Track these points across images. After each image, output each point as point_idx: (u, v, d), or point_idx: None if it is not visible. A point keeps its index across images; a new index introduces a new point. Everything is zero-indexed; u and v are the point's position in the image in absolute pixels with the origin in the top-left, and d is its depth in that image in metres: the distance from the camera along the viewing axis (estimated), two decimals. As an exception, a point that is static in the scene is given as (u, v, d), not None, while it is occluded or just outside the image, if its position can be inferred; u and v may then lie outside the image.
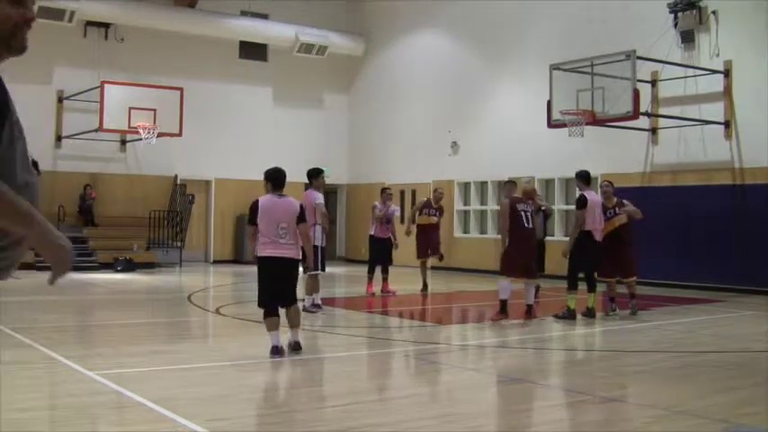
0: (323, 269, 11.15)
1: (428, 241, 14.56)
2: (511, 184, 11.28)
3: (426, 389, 6.87)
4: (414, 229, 14.64)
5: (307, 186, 11.64)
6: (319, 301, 11.26)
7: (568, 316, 10.53)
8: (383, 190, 14.39)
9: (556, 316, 10.67)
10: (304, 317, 10.70)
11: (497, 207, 19.47)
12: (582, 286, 10.74)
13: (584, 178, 11.03)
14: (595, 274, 10.90)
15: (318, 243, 10.98)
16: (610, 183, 11.73)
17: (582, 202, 10.66)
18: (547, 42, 18.62)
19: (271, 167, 8.07)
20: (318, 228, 11.01)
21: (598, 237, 10.67)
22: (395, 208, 14.45)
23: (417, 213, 14.74)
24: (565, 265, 10.87)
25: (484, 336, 9.57)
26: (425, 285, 14.51)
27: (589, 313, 10.67)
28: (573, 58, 15.20)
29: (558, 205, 18.18)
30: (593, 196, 10.86)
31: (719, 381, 6.99)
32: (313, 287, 11.14)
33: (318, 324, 10.35)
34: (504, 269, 10.31)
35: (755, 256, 14.79)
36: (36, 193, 2.44)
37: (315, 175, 11.38)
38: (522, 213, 10.44)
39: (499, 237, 11.54)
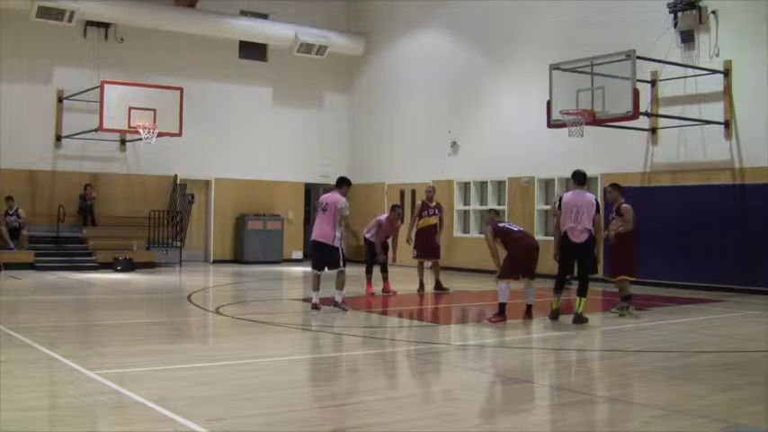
0: (344, 265, 11.38)
1: (428, 242, 14.54)
2: (492, 212, 11.19)
3: (426, 389, 6.87)
4: (413, 235, 14.63)
5: (327, 190, 11.88)
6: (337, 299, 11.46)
7: (550, 316, 10.53)
8: (393, 207, 14.31)
9: (550, 317, 10.65)
10: (313, 317, 10.79)
11: (497, 207, 19.50)
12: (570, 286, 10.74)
13: (572, 177, 10.87)
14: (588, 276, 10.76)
15: (339, 244, 11.23)
16: (612, 186, 11.66)
17: (559, 204, 10.72)
18: (547, 42, 18.63)
19: None
20: (339, 229, 11.21)
21: (574, 237, 10.37)
22: (400, 223, 14.37)
23: (417, 219, 14.70)
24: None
25: (484, 336, 9.57)
26: (422, 285, 14.53)
27: (577, 318, 10.29)
28: (573, 58, 15.19)
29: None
30: (571, 196, 10.58)
31: (719, 381, 6.99)
32: (341, 284, 11.37)
33: (317, 324, 10.36)
34: (505, 273, 10.30)
35: (755, 256, 14.79)
36: None
37: (347, 183, 11.67)
38: (505, 226, 10.73)
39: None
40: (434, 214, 14.60)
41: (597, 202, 10.68)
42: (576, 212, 10.39)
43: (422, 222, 14.61)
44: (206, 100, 21.95)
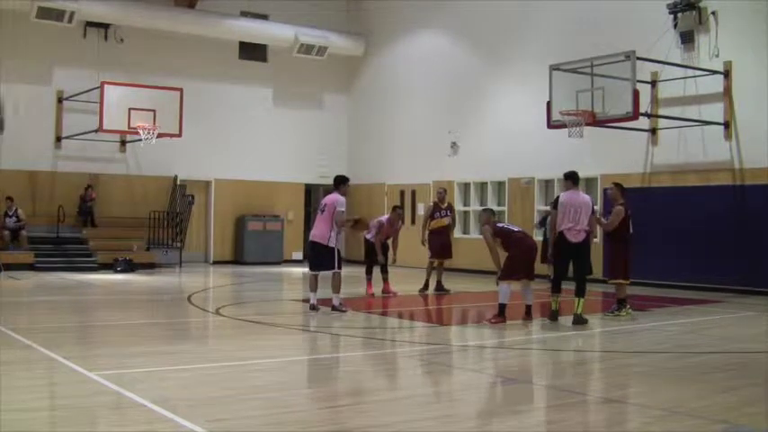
0: (340, 267, 11.31)
1: (442, 243, 14.55)
2: (489, 212, 11.03)
3: (426, 389, 6.87)
4: (427, 236, 14.64)
5: (327, 191, 11.88)
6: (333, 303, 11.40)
7: (549, 317, 10.54)
8: (394, 208, 14.34)
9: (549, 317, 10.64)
10: (312, 317, 10.81)
11: (497, 207, 19.50)
12: (567, 287, 10.75)
13: (568, 178, 10.82)
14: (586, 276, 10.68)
15: (334, 244, 11.17)
16: (613, 185, 11.63)
17: (554, 203, 10.72)
18: (547, 43, 18.63)
19: None
20: (336, 230, 11.21)
21: (572, 237, 10.35)
22: (401, 224, 14.36)
23: (429, 220, 14.70)
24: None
25: (484, 336, 9.57)
26: (426, 286, 14.50)
27: (576, 319, 10.29)
28: (573, 59, 15.19)
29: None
30: (569, 196, 10.54)
31: (719, 381, 7.00)
32: (337, 286, 11.30)
33: (317, 325, 10.36)
34: (506, 274, 10.29)
35: (755, 256, 14.79)
36: None
37: (345, 181, 11.63)
38: (505, 226, 10.82)
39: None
40: (446, 215, 14.66)
41: (593, 202, 10.71)
42: (575, 212, 10.39)
43: (434, 223, 14.64)
44: (206, 100, 21.94)
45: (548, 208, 16.98)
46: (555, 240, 10.66)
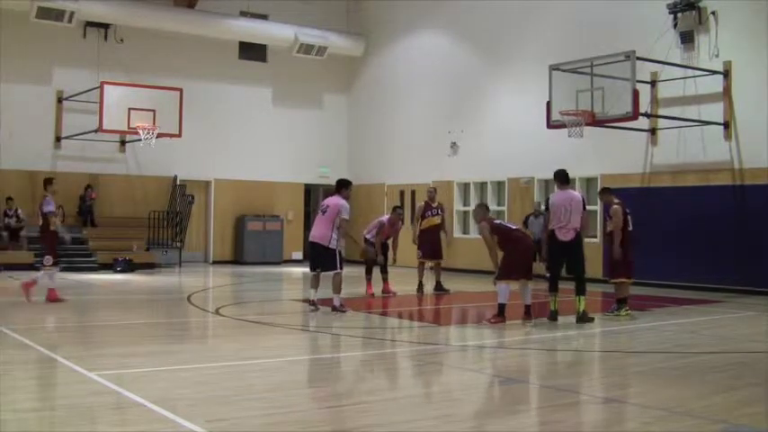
0: (341, 267, 11.30)
1: (432, 243, 14.55)
2: (483, 207, 10.95)
3: (426, 389, 6.87)
4: (418, 235, 14.62)
5: (329, 193, 11.92)
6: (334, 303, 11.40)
7: (549, 316, 10.53)
8: (394, 208, 14.36)
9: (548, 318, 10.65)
10: (312, 317, 10.82)
11: (498, 209, 19.48)
12: (566, 286, 10.76)
13: (557, 177, 10.87)
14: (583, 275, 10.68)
15: (334, 246, 11.18)
16: (601, 192, 11.64)
17: (546, 206, 10.76)
18: (546, 43, 18.63)
19: None
20: (336, 231, 11.21)
21: (561, 236, 10.41)
22: (401, 225, 14.37)
23: (420, 219, 14.70)
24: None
25: (483, 336, 9.57)
26: (421, 286, 14.49)
27: (581, 318, 10.35)
28: (573, 59, 15.20)
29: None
30: (559, 196, 10.63)
31: (719, 381, 7.00)
32: (337, 287, 11.28)
33: (317, 325, 10.35)
34: (504, 273, 10.29)
35: (755, 256, 14.79)
36: None
37: (347, 185, 11.63)
38: (502, 224, 10.81)
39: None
40: (437, 214, 14.64)
41: (584, 200, 10.73)
42: (565, 211, 10.43)
43: (425, 223, 14.63)
44: (206, 100, 21.95)
45: (541, 208, 17.01)
46: (547, 240, 10.68)
